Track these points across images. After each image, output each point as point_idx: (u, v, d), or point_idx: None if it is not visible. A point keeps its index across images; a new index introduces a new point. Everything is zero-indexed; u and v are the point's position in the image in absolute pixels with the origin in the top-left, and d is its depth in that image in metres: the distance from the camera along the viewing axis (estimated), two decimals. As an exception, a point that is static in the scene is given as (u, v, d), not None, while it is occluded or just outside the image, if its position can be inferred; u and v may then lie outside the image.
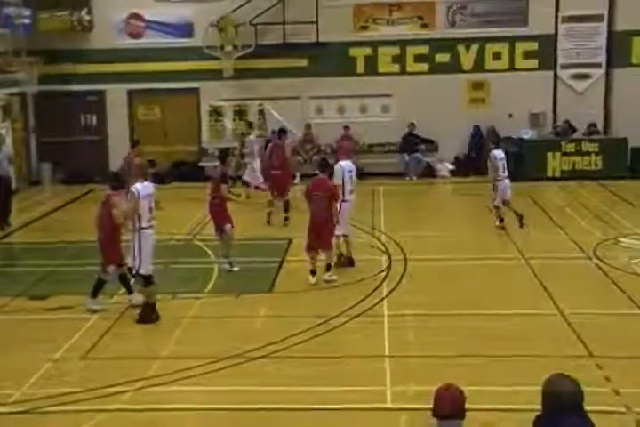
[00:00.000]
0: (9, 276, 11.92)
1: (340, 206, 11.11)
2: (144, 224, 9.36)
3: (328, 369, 7.96)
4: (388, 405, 7.15)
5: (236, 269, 11.38)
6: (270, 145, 15.45)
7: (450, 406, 3.90)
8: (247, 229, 13.50)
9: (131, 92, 19.46)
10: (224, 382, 7.65)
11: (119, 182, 9.83)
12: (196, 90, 19.31)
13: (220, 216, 11.50)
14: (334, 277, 10.85)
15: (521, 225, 13.41)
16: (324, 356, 8.25)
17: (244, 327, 9.21)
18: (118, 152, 19.00)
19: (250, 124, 17.64)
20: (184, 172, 18.71)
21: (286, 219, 14.27)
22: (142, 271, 9.40)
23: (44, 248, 13.10)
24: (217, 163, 12.47)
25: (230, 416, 7.04)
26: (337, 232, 11.08)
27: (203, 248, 12.71)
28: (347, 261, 11.44)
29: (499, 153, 13.68)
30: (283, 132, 15.35)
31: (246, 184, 16.45)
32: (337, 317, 9.29)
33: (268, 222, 14.24)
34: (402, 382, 7.51)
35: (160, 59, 18.96)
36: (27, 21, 17.45)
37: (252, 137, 16.86)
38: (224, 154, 12.40)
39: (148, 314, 9.39)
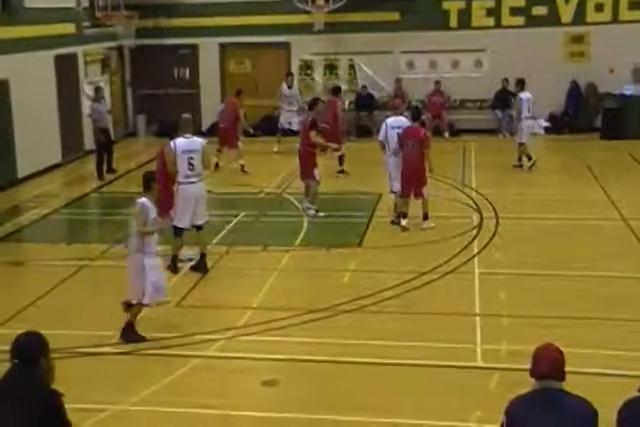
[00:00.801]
0: (108, 224, 12.37)
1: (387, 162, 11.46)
2: (180, 179, 9.41)
3: (417, 325, 7.94)
4: (479, 363, 7.09)
5: (321, 214, 11.63)
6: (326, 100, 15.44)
7: (548, 366, 3.83)
8: (337, 184, 13.54)
9: (223, 46, 19.54)
10: (312, 335, 7.75)
11: (176, 132, 9.74)
12: (286, 44, 19.22)
13: (308, 162, 11.75)
14: (432, 225, 11.09)
15: (530, 166, 14.33)
16: (414, 312, 8.24)
17: (333, 281, 9.26)
18: (210, 105, 19.36)
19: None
20: (274, 125, 18.76)
21: (341, 172, 14.43)
22: (175, 223, 9.51)
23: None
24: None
25: (318, 368, 7.13)
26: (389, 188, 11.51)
27: (292, 201, 12.79)
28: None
29: (524, 95, 14.50)
30: (338, 89, 15.58)
31: None
32: (427, 273, 9.23)
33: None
34: (493, 342, 7.43)
35: (252, 12, 18.90)
36: (125, -24, 17.63)
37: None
38: (313, 101, 12.57)
39: (203, 264, 9.58)
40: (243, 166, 15.01)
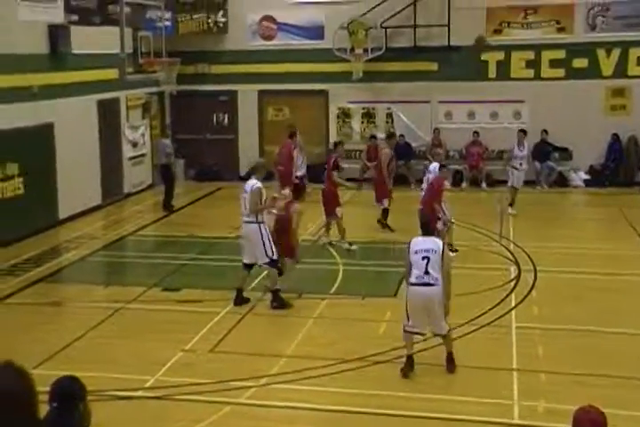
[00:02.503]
0: (145, 267, 12.46)
1: None
2: None
3: (452, 378, 7.81)
4: (516, 420, 6.92)
5: (354, 247, 12.17)
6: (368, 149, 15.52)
7: (590, 429, 3.72)
8: (373, 233, 13.51)
9: (261, 93, 19.86)
10: (346, 385, 7.65)
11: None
12: (324, 92, 19.49)
13: (330, 201, 12.58)
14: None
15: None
16: (449, 365, 8.11)
17: (368, 330, 9.18)
18: (248, 151, 19.63)
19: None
20: (311, 173, 18.88)
21: (384, 226, 13.80)
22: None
23: (177, 242, 13.57)
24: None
25: (350, 419, 7.03)
26: None
27: (328, 249, 12.78)
28: None
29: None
30: (391, 135, 15.47)
31: None
32: (463, 325, 9.09)
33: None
34: (530, 398, 7.26)
35: (290, 60, 19.25)
36: (168, 24, 18.10)
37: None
38: (336, 143, 13.43)
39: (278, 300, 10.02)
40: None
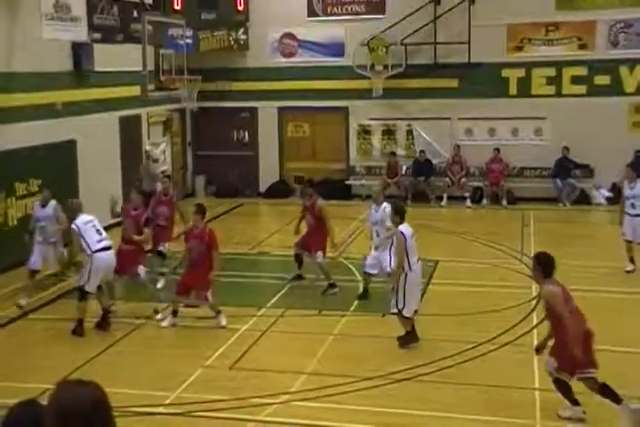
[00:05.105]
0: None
1: None
2: None
3: (474, 397, 7.73)
4: (539, 440, 6.86)
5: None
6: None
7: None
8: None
9: (282, 110, 19.96)
10: (367, 403, 7.60)
11: None
12: (345, 108, 19.55)
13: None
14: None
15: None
16: (470, 383, 8.02)
17: (388, 348, 9.11)
18: (268, 168, 19.72)
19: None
20: (331, 189, 18.91)
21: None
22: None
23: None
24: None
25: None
26: None
27: (348, 266, 12.75)
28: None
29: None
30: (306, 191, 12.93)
31: None
32: (484, 343, 9.03)
33: None
34: (554, 418, 7.17)
35: (311, 77, 19.36)
36: (189, 41, 18.26)
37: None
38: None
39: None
40: None
